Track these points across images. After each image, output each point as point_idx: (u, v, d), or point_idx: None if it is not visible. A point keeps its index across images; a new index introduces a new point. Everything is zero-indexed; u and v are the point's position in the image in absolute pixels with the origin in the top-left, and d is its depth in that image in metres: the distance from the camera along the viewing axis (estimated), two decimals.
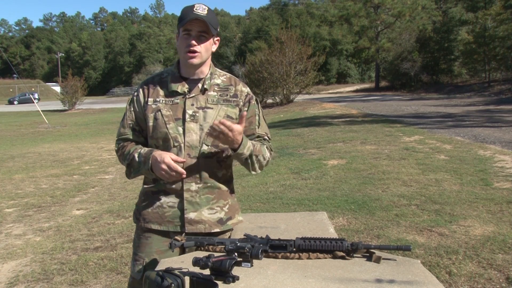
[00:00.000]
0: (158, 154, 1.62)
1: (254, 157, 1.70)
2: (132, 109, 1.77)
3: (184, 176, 1.62)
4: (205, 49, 1.69)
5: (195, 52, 1.66)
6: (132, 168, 1.73)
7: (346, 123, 12.79)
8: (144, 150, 1.69)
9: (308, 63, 22.52)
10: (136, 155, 1.69)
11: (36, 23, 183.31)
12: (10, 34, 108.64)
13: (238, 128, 1.57)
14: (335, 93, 35.33)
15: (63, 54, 76.21)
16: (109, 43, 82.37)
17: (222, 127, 1.53)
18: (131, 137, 1.77)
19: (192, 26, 1.64)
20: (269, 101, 23.74)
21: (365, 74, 52.70)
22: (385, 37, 37.29)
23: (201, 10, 1.64)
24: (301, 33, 26.05)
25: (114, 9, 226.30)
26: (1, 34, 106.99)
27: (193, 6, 1.65)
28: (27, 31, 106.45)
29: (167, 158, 1.59)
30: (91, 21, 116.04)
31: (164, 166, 1.58)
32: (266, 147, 1.78)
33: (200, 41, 1.66)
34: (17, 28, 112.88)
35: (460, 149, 7.70)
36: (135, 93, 1.79)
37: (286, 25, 23.98)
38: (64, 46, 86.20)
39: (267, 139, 1.82)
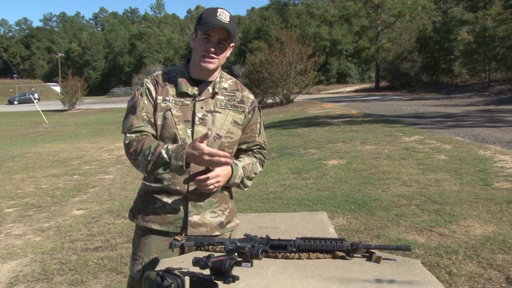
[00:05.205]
0: (192, 147, 1.55)
1: (245, 179, 1.73)
2: (146, 101, 1.69)
3: (229, 156, 1.56)
4: (223, 56, 1.70)
5: (212, 58, 1.65)
6: (156, 165, 1.61)
7: (346, 123, 12.78)
8: (172, 146, 1.60)
9: (308, 63, 22.51)
10: (163, 151, 1.58)
11: (36, 23, 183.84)
12: (10, 34, 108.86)
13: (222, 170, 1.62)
14: (335, 93, 35.33)
15: (63, 54, 76.24)
16: (109, 43, 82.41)
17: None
18: (146, 129, 1.66)
19: (214, 32, 1.62)
20: (269, 101, 23.74)
21: (365, 74, 52.71)
22: (385, 37, 37.28)
23: (224, 17, 1.61)
24: (301, 33, 25.93)
25: (114, 9, 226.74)
26: (1, 34, 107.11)
27: (216, 10, 1.62)
28: (27, 31, 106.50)
29: (206, 148, 1.52)
30: (91, 21, 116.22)
31: (207, 158, 1.53)
32: (258, 162, 1.81)
33: (219, 48, 1.66)
34: (17, 28, 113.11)
35: (460, 149, 7.70)
36: (146, 86, 1.71)
37: (286, 25, 23.97)
38: (64, 46, 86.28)
39: (264, 147, 1.87)
